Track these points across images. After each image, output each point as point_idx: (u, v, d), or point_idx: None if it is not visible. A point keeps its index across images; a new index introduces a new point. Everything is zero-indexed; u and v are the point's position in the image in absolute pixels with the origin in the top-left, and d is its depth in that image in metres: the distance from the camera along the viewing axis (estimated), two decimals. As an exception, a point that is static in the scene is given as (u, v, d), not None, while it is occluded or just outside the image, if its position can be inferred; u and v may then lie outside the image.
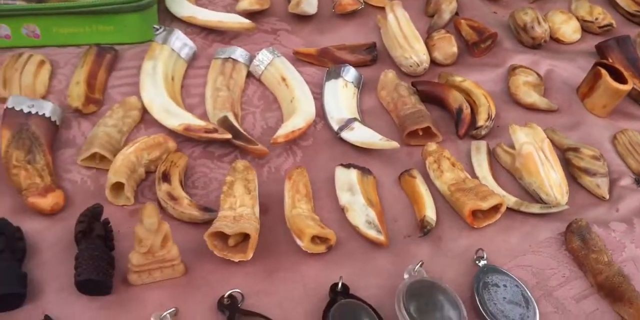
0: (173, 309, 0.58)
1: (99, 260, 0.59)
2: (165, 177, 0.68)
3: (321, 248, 0.65)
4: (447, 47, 0.89)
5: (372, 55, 0.90)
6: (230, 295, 0.60)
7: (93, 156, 0.70)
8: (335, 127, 0.79)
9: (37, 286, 0.60)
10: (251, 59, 0.85)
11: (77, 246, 0.61)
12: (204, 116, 0.79)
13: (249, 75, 0.85)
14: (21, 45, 0.84)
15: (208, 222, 0.66)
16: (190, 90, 0.83)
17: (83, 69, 0.80)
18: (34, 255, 0.62)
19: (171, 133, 0.75)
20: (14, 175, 0.66)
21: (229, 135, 0.73)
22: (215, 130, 0.73)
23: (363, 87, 0.86)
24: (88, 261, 0.58)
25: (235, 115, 0.78)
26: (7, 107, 0.71)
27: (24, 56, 0.81)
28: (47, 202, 0.64)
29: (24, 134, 0.70)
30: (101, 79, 0.81)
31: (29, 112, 0.71)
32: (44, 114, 0.71)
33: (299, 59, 0.88)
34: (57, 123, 0.73)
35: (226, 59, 0.84)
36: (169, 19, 0.91)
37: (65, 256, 0.62)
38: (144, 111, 0.78)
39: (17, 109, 0.71)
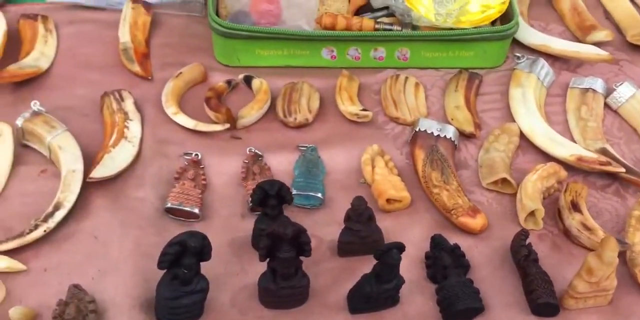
0: (622, 337, 0.63)
1: (550, 285, 0.65)
2: (575, 207, 0.73)
3: None
4: None
5: None
6: (668, 329, 0.64)
7: (495, 180, 0.77)
8: None
9: (485, 299, 0.66)
10: (607, 89, 0.89)
11: (522, 268, 0.67)
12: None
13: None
14: (389, 66, 0.91)
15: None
16: (550, 118, 0.87)
17: (458, 93, 0.87)
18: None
19: (553, 161, 0.79)
20: (436, 194, 0.73)
21: (622, 169, 0.76)
22: (608, 163, 0.76)
23: None
24: (543, 285, 0.64)
25: (606, 147, 0.82)
26: (419, 130, 0.78)
27: (400, 78, 0.88)
28: (477, 222, 0.71)
29: (435, 155, 0.77)
30: (473, 103, 0.87)
31: (438, 135, 0.78)
32: (450, 138, 0.78)
33: (651, 91, 0.91)
34: (457, 145, 0.80)
35: (586, 89, 0.88)
36: (514, 46, 0.94)
37: (502, 274, 0.69)
38: (521, 137, 0.83)
39: (429, 131, 0.78)
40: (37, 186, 0.73)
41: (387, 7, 0.96)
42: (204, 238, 0.58)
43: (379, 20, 0.93)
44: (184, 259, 0.58)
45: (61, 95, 0.83)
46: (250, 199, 0.72)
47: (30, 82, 0.84)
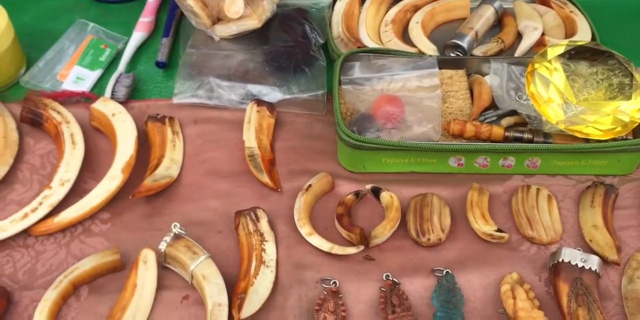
0: None
1: None
2: None
3: None
4: None
5: None
6: None
7: (645, 318, 0.74)
8: None
9: None
10: None
11: None
12: None
13: None
14: (517, 172, 0.88)
15: None
16: (693, 237, 0.84)
17: (595, 210, 0.83)
18: None
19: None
20: (585, 335, 0.71)
21: None
22: None
23: None
24: None
25: None
26: (562, 260, 0.76)
27: (532, 190, 0.86)
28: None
29: (580, 289, 0.74)
30: (610, 221, 0.83)
31: (582, 267, 0.76)
32: (595, 270, 0.75)
33: None
34: (600, 276, 0.77)
35: None
36: None
37: None
38: (666, 263, 0.80)
39: (572, 263, 0.76)
40: (181, 314, 0.73)
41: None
42: None
43: (507, 125, 0.91)
44: None
45: (194, 207, 0.84)
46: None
47: (162, 191, 0.85)
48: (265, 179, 0.86)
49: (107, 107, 0.92)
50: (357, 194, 0.86)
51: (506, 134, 0.89)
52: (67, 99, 0.95)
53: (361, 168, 0.89)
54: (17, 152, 0.88)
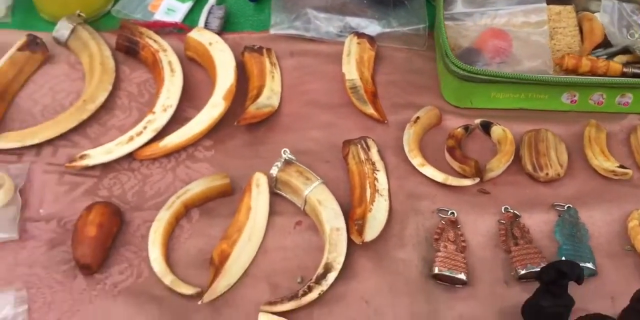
0: None
1: None
2: None
3: None
4: None
5: None
6: None
7: None
8: None
9: None
10: None
11: None
12: None
13: None
14: (634, 111, 0.84)
15: None
16: None
17: None
18: None
19: None
20: None
21: None
22: None
23: None
24: None
25: None
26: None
27: (652, 128, 0.83)
28: None
29: None
30: None
31: None
32: None
33: None
34: None
35: None
36: None
37: None
38: None
39: None
40: (294, 239, 0.71)
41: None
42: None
43: (626, 62, 0.87)
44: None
45: (296, 137, 0.81)
46: (518, 266, 0.69)
47: (263, 121, 0.83)
48: (370, 110, 0.83)
49: (203, 36, 0.89)
50: (466, 128, 0.82)
51: (624, 69, 0.84)
52: (160, 29, 0.93)
53: (468, 103, 0.86)
54: (114, 80, 0.86)
